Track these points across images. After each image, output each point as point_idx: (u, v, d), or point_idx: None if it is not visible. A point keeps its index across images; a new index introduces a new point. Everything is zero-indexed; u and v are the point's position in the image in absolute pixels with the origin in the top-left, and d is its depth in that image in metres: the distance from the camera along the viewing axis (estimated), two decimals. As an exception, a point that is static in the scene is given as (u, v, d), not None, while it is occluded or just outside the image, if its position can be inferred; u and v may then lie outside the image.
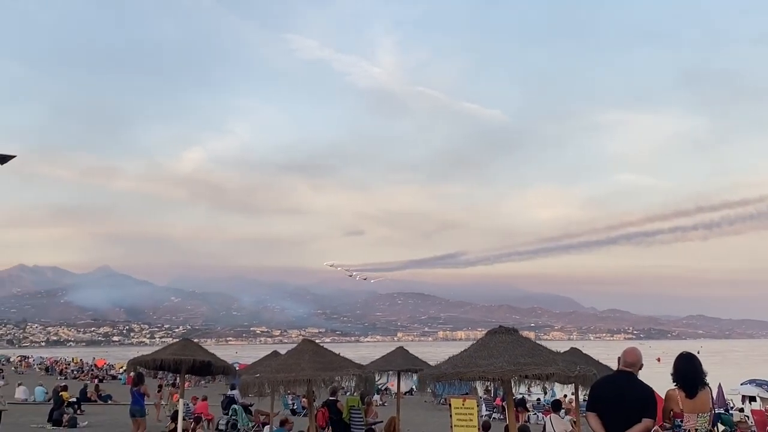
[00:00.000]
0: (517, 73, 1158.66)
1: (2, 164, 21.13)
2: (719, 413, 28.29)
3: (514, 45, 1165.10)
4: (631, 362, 7.61)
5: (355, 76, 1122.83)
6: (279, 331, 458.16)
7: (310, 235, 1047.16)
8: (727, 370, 67.86)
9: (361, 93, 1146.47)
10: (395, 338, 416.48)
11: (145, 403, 21.41)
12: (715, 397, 9.07)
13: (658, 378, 11.21)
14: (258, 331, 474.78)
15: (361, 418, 22.18)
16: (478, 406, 15.19)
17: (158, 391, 33.41)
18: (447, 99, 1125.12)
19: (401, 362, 20.90)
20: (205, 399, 30.05)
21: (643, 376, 7.82)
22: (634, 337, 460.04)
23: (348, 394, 27.04)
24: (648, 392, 7.44)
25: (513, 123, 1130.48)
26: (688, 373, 7.84)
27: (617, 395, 7.38)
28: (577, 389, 15.49)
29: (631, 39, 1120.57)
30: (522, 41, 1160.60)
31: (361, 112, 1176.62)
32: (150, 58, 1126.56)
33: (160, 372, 29.38)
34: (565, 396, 33.19)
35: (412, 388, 46.79)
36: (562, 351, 14.18)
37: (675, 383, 7.90)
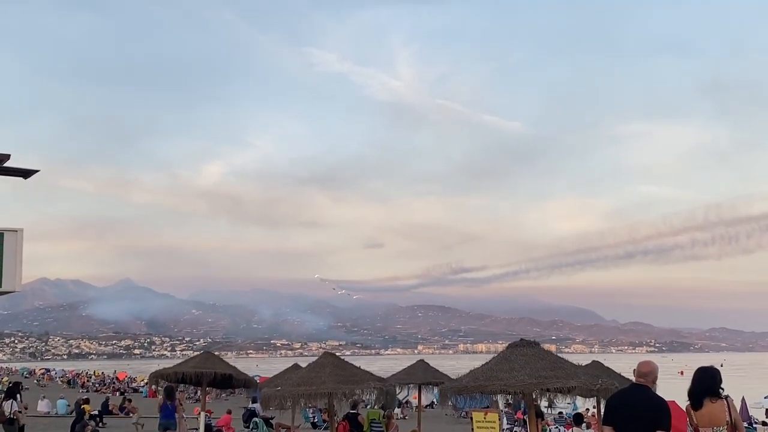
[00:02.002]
0: (536, 84, 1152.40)
1: (26, 179, 21.37)
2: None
3: (533, 56, 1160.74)
4: (645, 373, 7.65)
5: (374, 88, 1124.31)
6: (299, 344, 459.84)
7: (330, 247, 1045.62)
8: (751, 384, 67.21)
9: (380, 106, 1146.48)
10: (415, 351, 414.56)
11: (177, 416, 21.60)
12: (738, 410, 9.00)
13: (681, 391, 11.17)
14: (278, 344, 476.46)
15: (382, 431, 22.16)
16: (499, 419, 15.12)
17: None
18: (466, 111, 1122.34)
19: (422, 375, 20.84)
20: (229, 412, 30.08)
21: (665, 389, 7.82)
22: (656, 350, 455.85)
23: (369, 407, 26.98)
24: (661, 404, 7.48)
25: (533, 135, 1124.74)
26: (696, 385, 7.91)
27: (630, 407, 7.45)
28: (599, 402, 15.46)
29: (652, 49, 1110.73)
30: (541, 52, 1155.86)
31: (381, 125, 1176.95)
32: (170, 71, 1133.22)
33: (181, 385, 29.49)
34: (587, 410, 33.06)
35: (433, 401, 46.73)
36: (583, 364, 14.15)
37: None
